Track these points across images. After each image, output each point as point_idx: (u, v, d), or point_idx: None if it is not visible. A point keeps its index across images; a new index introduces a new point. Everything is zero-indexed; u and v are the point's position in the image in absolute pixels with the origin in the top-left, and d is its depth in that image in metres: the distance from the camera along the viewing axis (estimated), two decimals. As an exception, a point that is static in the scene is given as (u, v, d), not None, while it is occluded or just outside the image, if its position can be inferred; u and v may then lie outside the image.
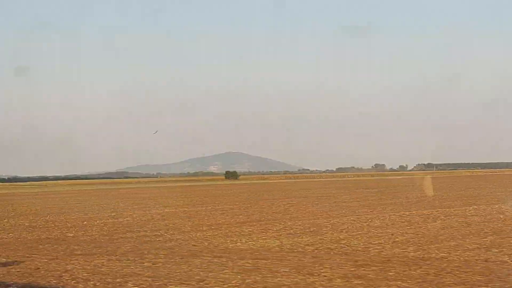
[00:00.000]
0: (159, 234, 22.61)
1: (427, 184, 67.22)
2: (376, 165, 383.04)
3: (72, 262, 15.77)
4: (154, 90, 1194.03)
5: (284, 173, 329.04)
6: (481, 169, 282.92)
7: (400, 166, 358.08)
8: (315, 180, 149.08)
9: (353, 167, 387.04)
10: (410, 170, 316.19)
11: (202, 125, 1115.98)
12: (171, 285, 12.30)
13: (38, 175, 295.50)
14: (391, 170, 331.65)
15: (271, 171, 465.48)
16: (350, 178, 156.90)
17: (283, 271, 13.27)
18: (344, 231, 21.54)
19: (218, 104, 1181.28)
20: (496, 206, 31.54)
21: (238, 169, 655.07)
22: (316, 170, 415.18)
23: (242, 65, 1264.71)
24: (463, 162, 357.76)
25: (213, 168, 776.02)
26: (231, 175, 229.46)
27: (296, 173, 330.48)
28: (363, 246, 17.37)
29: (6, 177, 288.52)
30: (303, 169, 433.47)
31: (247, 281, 12.38)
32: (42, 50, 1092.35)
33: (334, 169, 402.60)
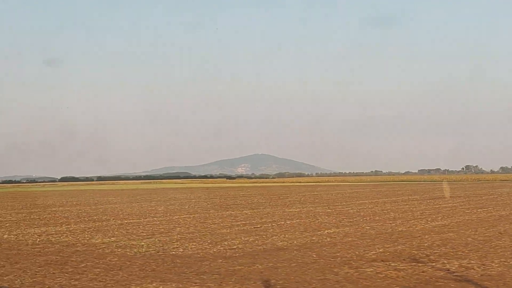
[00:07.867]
0: None
1: (445, 189, 76.34)
2: (468, 167, 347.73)
3: None
4: (179, 92, 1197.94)
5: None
6: None
7: (501, 168, 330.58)
8: None
9: (439, 169, 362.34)
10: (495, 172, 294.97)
11: (228, 127, 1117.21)
12: None
13: (69, 175, 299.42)
14: (492, 172, 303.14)
15: (299, 173, 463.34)
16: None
17: None
18: None
19: (245, 106, 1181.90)
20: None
21: (266, 171, 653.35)
22: (391, 172, 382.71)
23: (268, 67, 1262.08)
24: None
25: (241, 170, 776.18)
26: None
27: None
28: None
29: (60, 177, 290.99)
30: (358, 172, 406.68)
31: None
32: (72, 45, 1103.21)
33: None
